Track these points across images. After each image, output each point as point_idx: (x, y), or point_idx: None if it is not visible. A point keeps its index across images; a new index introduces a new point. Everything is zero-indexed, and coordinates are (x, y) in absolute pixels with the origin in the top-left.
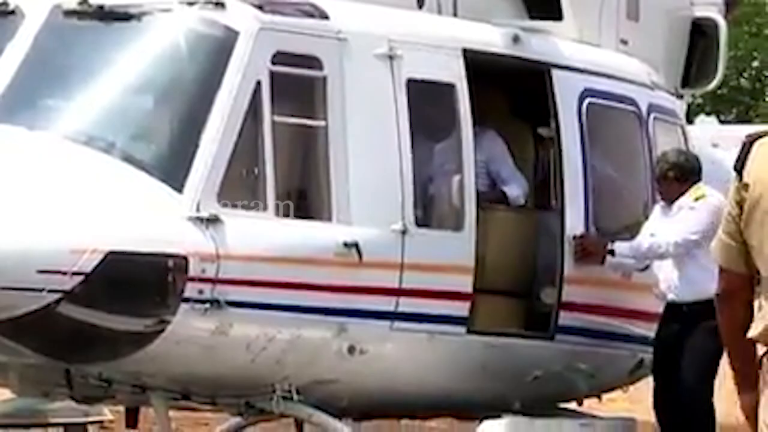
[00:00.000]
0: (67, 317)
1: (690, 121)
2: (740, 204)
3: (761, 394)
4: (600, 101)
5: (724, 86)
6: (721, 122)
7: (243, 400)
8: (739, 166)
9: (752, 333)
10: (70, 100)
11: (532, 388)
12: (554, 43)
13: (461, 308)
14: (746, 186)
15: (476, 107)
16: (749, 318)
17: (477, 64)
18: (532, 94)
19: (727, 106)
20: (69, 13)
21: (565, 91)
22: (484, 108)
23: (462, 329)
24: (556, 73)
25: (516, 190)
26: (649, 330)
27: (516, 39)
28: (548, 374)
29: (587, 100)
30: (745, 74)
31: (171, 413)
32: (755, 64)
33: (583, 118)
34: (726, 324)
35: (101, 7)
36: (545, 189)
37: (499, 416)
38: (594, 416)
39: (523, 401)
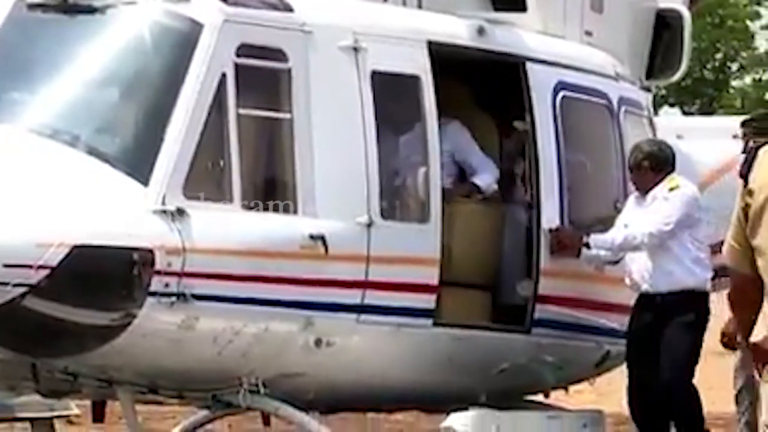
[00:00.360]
0: (33, 311)
1: (654, 112)
2: (746, 210)
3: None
4: (573, 94)
5: (687, 78)
6: (684, 114)
7: (210, 394)
8: (745, 172)
9: (754, 339)
10: (35, 93)
11: (499, 381)
12: (522, 35)
13: (427, 300)
14: (751, 192)
15: (442, 99)
16: (755, 319)
17: (442, 56)
18: (501, 87)
19: (690, 97)
20: (33, 6)
21: (539, 84)
22: (449, 100)
23: (428, 321)
24: (529, 66)
25: (487, 178)
26: (616, 322)
27: (481, 31)
28: (515, 367)
29: (561, 94)
30: (709, 66)
31: (138, 407)
32: (718, 55)
33: (557, 111)
34: (737, 323)
35: (65, 0)
36: (512, 181)
37: (465, 409)
38: (561, 408)
39: (489, 394)
